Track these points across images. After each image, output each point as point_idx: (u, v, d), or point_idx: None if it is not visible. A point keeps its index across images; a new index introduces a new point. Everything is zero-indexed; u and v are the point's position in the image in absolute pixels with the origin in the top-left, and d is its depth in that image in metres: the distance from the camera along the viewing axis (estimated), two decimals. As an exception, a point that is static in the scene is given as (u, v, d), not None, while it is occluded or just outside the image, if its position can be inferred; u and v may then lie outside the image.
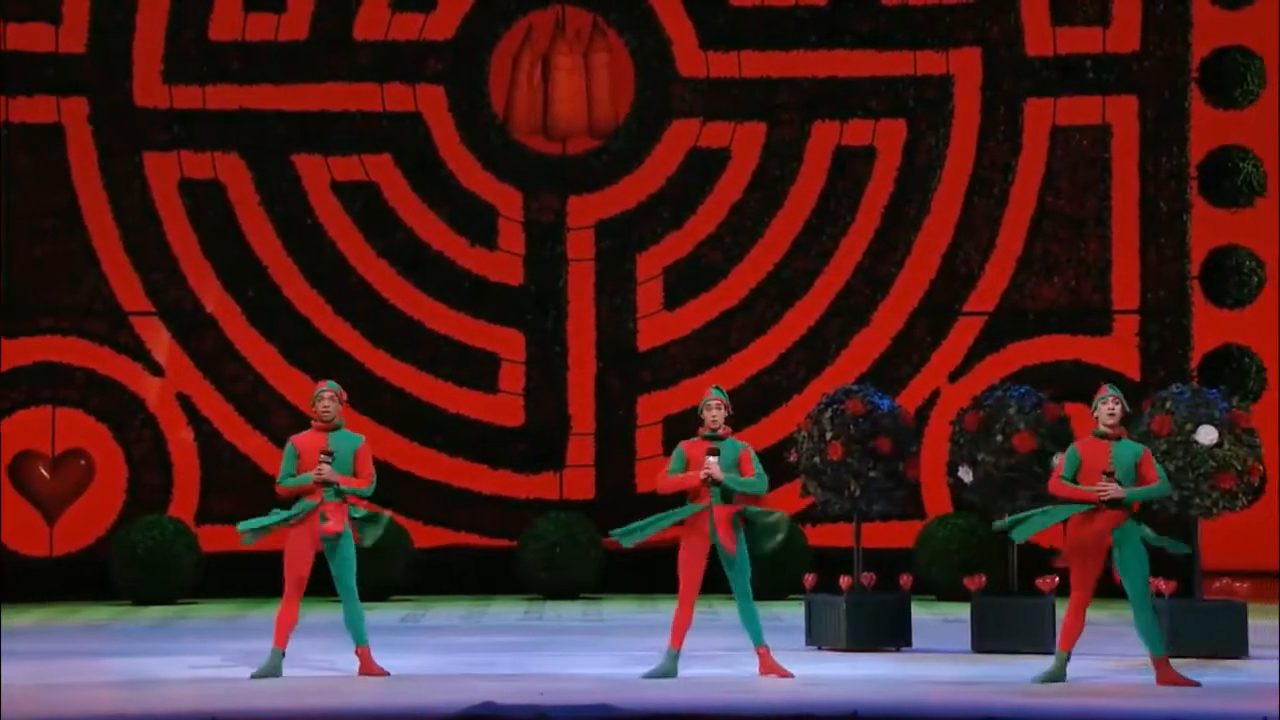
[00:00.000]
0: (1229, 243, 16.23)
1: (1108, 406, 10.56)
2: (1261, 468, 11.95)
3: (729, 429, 10.75)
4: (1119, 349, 16.35)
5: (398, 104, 16.71)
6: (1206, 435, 11.79)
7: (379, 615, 14.60)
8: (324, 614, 13.91)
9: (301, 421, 16.09)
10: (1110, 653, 11.65)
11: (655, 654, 11.80)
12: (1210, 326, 16.22)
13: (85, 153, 16.57)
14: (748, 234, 16.75)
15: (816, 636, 12.29)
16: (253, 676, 10.66)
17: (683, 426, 16.54)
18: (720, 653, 10.92)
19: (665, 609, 14.97)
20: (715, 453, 10.61)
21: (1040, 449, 12.10)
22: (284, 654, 10.74)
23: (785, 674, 10.63)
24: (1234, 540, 13.90)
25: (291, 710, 9.74)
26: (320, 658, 11.55)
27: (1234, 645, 11.72)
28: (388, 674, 10.75)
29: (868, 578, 12.29)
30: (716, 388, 10.87)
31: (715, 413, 10.71)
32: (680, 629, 10.70)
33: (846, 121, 16.62)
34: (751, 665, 11.08)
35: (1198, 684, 10.36)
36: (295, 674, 10.90)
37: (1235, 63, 16.13)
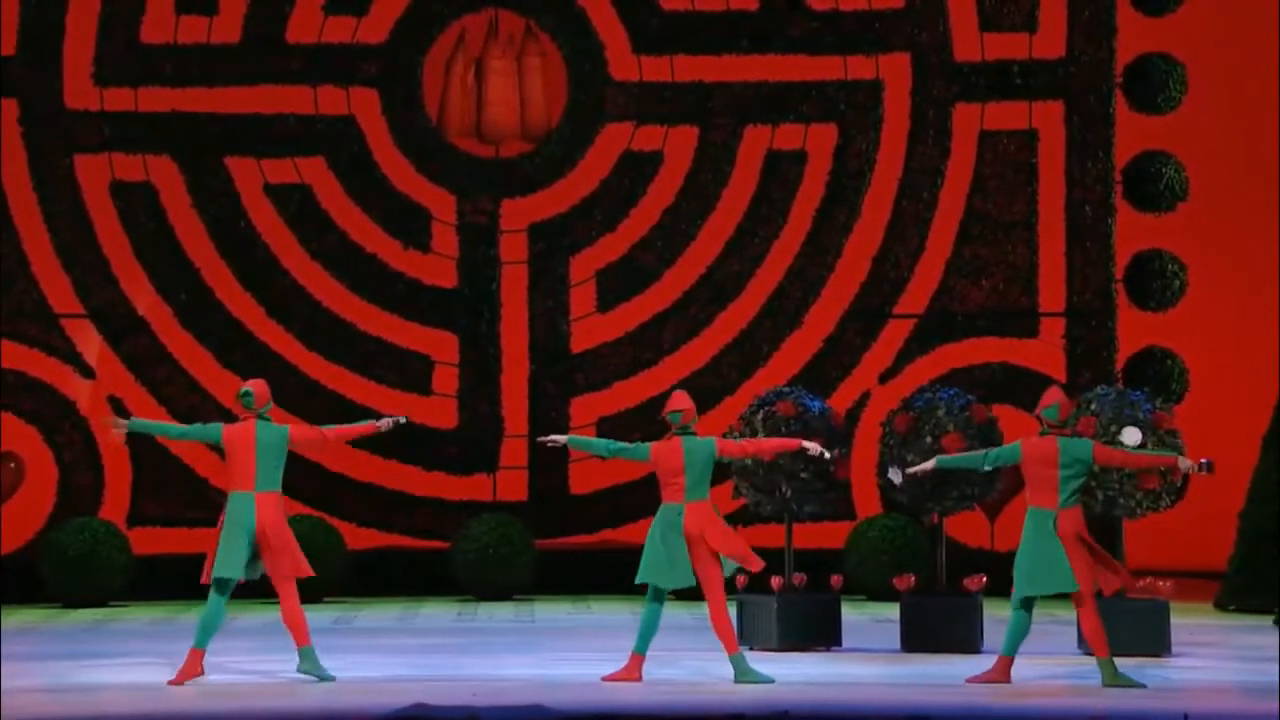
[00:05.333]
0: (1152, 247, 16.45)
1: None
2: (1184, 469, 12.11)
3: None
4: (1045, 351, 16.53)
5: (331, 107, 16.71)
6: (1131, 436, 11.95)
7: (312, 617, 14.58)
8: (255, 617, 13.91)
9: (232, 422, 16.01)
10: (1040, 651, 11.79)
11: (588, 655, 11.87)
12: (1134, 329, 16.44)
13: (15, 155, 16.48)
14: (680, 237, 16.83)
15: (748, 636, 12.38)
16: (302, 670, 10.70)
17: (616, 428, 16.66)
18: (655, 653, 10.99)
19: (597, 610, 15.07)
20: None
21: (969, 450, 12.23)
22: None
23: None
24: (1158, 540, 14.10)
25: (224, 713, 9.75)
26: (252, 660, 11.55)
27: (1158, 644, 11.89)
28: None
29: (799, 578, 12.40)
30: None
31: None
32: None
33: (778, 126, 16.73)
34: (685, 666, 11.18)
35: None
36: (229, 678, 10.90)
37: (1158, 69, 16.34)
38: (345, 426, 11.22)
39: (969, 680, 10.66)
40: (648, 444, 10.85)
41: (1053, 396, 10.74)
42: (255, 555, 10.71)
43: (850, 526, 15.89)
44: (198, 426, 11.18)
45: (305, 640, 10.70)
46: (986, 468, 11.22)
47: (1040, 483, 10.55)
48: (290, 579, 10.74)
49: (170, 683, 10.60)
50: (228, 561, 10.68)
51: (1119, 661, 10.72)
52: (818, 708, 9.62)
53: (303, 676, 10.81)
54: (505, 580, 15.97)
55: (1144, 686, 10.50)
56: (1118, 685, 10.49)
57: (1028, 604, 10.64)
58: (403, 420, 10.95)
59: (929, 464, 11.15)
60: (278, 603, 10.84)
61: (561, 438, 11.26)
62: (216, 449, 10.94)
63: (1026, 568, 10.58)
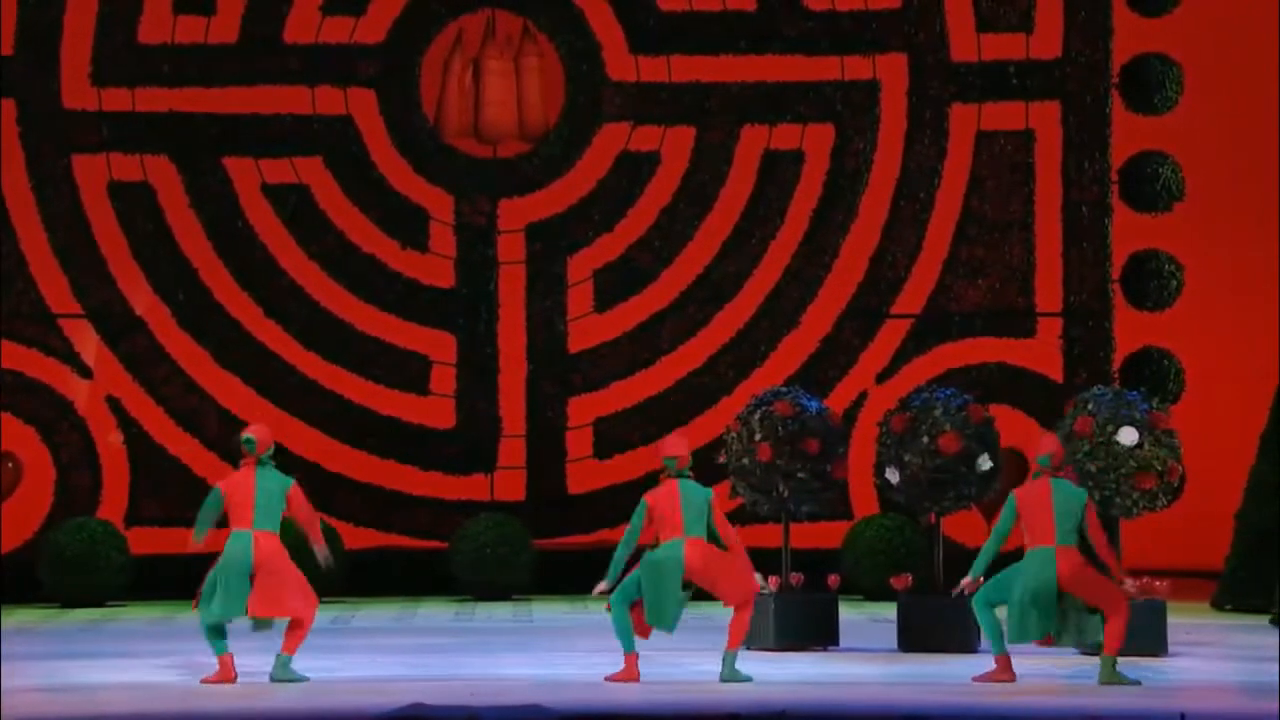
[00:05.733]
0: (1149, 247, 16.49)
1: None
2: (1180, 468, 12.14)
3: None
4: (1042, 351, 16.56)
5: (328, 107, 16.73)
6: (1127, 436, 11.97)
7: (310, 617, 14.62)
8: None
9: (231, 422, 16.04)
10: (1038, 651, 11.81)
11: (586, 655, 11.90)
12: (1131, 329, 16.47)
13: (13, 155, 16.50)
14: (678, 237, 16.86)
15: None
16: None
17: (613, 427, 16.69)
18: (653, 653, 11.02)
19: (595, 610, 15.07)
20: None
21: (966, 450, 12.26)
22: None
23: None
24: (1154, 540, 14.13)
25: (222, 713, 9.77)
26: (251, 660, 11.56)
27: (1154, 643, 11.91)
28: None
29: (796, 578, 12.42)
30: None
31: None
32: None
33: (775, 126, 16.75)
34: (683, 666, 11.20)
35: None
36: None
37: (1154, 69, 16.38)
38: (315, 531, 10.99)
39: (975, 679, 10.68)
40: (642, 501, 10.81)
41: (1048, 445, 10.82)
42: (246, 594, 10.64)
43: (847, 526, 15.92)
44: (205, 506, 10.85)
45: (291, 650, 10.69)
46: (999, 542, 10.96)
47: (1036, 526, 10.61)
48: (306, 612, 10.70)
49: (203, 680, 10.66)
50: (217, 606, 10.64)
51: (1119, 661, 10.73)
52: (815, 707, 9.64)
53: (303, 675, 10.82)
54: (503, 580, 15.98)
55: (1139, 684, 10.52)
56: (1113, 683, 10.53)
57: (992, 604, 10.70)
58: (330, 563, 10.95)
59: (969, 582, 10.94)
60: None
61: (602, 585, 11.01)
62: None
63: (1017, 611, 10.58)
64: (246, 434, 10.86)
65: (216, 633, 10.71)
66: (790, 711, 9.20)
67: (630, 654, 10.74)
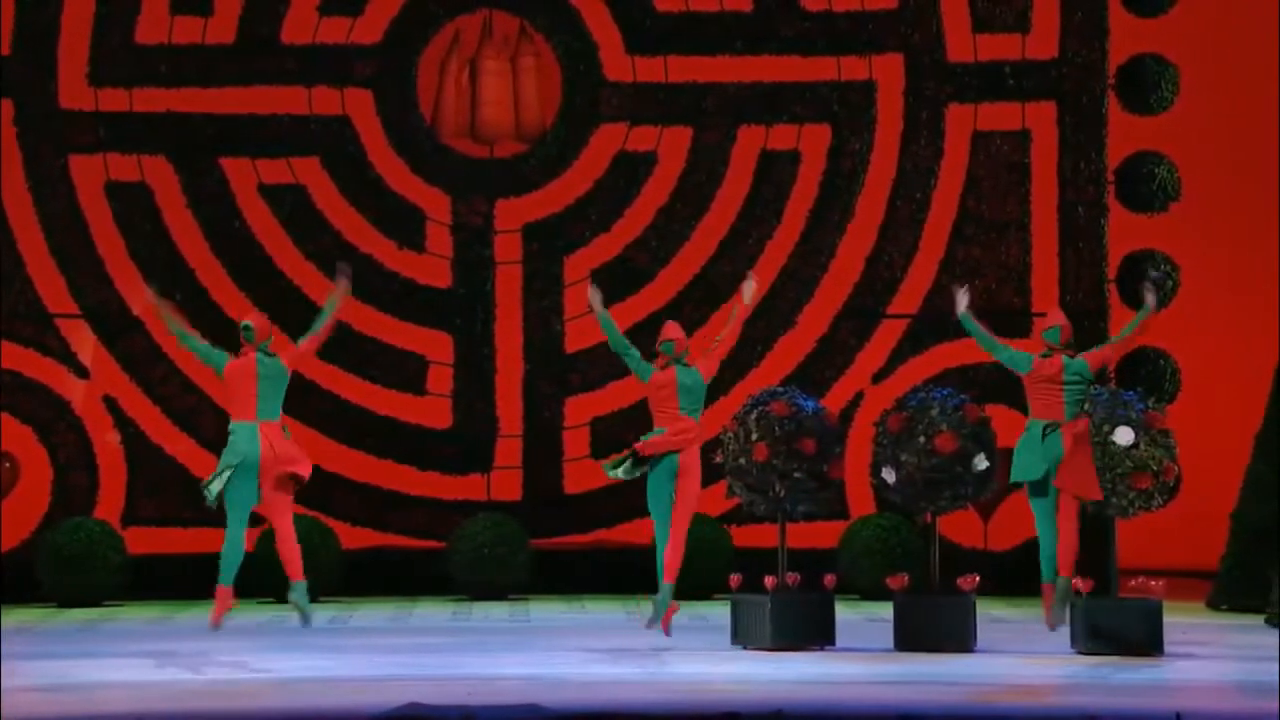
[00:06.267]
0: (1145, 247, 16.52)
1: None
2: (1176, 468, 12.18)
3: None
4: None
5: (325, 107, 16.75)
6: (1123, 436, 12.00)
7: (307, 617, 14.63)
8: (255, 616, 13.94)
9: (228, 422, 16.04)
10: (1036, 650, 11.84)
11: (582, 654, 11.91)
12: (1127, 330, 16.49)
13: (10, 155, 16.51)
14: (674, 237, 16.88)
15: (741, 636, 12.43)
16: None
17: (610, 428, 16.71)
18: (649, 652, 11.04)
19: (592, 609, 15.12)
20: None
21: (962, 450, 12.28)
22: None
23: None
24: (1150, 540, 14.17)
25: (220, 712, 9.79)
26: (250, 659, 11.58)
27: (1150, 643, 11.94)
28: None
29: (792, 577, 12.44)
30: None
31: None
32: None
33: (771, 126, 16.78)
34: (681, 666, 11.22)
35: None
36: (226, 676, 10.94)
37: (1150, 70, 16.41)
38: (319, 329, 11.28)
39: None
40: (651, 365, 11.03)
41: (1055, 319, 11.13)
42: (253, 482, 10.86)
43: (844, 526, 15.95)
44: (208, 348, 11.23)
45: (299, 575, 10.85)
46: (997, 356, 11.49)
47: (1044, 398, 10.93)
48: (288, 506, 10.82)
49: (211, 625, 10.75)
50: (217, 486, 10.86)
51: (1113, 661, 10.77)
52: (812, 707, 9.66)
53: (300, 675, 10.85)
54: (501, 580, 16.01)
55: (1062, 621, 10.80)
56: (1061, 604, 10.80)
57: (1046, 522, 11.05)
58: (347, 274, 11.18)
59: (962, 302, 11.24)
60: (276, 601, 10.88)
61: (596, 303, 11.31)
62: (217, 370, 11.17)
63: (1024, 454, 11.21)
64: (245, 321, 11.03)
65: (229, 558, 10.86)
66: (787, 711, 9.22)
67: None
